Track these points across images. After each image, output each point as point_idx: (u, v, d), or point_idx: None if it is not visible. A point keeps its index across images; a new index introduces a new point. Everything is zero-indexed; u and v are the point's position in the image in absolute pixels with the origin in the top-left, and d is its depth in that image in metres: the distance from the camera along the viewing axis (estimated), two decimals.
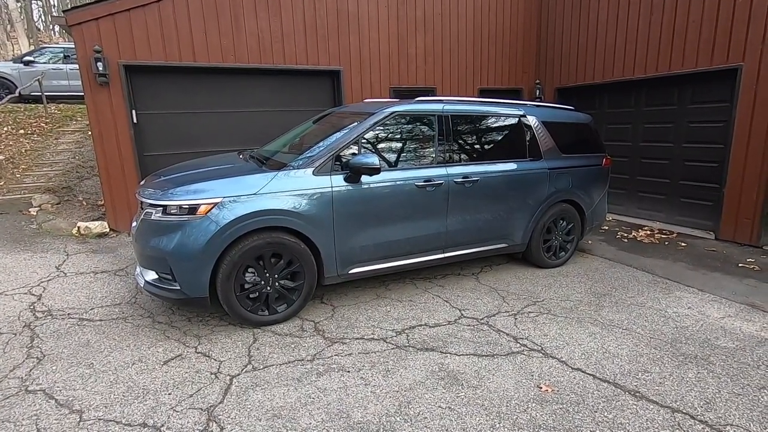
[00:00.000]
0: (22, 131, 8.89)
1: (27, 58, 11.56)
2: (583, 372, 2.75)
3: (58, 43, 17.00)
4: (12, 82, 10.87)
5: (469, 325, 3.36)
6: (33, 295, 3.74)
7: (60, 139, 8.78)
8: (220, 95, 6.04)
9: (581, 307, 3.70)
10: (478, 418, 2.32)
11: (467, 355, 2.94)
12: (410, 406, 2.40)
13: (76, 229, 5.38)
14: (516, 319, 3.48)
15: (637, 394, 2.54)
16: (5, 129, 8.92)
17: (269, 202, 3.12)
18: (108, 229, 5.48)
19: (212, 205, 3.00)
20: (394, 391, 2.53)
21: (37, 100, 10.48)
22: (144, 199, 3.19)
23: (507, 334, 3.23)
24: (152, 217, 3.06)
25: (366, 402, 2.43)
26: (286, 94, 6.43)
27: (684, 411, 2.39)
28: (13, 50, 20.36)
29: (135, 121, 5.51)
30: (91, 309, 3.51)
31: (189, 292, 3.01)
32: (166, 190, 3.12)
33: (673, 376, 2.71)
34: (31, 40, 21.67)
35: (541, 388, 2.58)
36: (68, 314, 3.41)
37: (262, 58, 5.98)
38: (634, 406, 2.43)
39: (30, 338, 3.05)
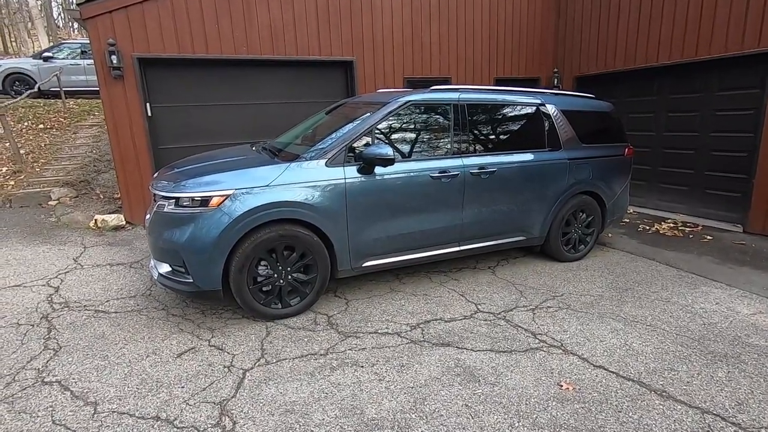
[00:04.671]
0: (41, 126, 9.05)
1: (46, 54, 11.74)
2: (605, 370, 2.65)
3: (76, 40, 17.23)
4: (32, 78, 11.07)
5: (485, 320, 3.28)
6: (51, 286, 3.78)
7: (78, 133, 8.91)
8: (234, 88, 6.01)
9: (602, 302, 3.58)
10: (496, 417, 2.24)
11: (484, 350, 2.86)
12: (426, 403, 2.34)
13: (93, 221, 5.44)
14: (534, 314, 3.38)
15: (664, 393, 2.43)
16: (25, 124, 9.09)
17: (282, 194, 3.07)
18: (124, 222, 5.53)
19: (224, 197, 2.96)
20: (409, 387, 2.47)
21: (56, 95, 10.65)
22: (157, 192, 3.17)
23: (525, 330, 3.13)
24: (165, 210, 3.04)
25: (380, 398, 2.38)
26: (299, 85, 6.37)
27: (714, 412, 2.28)
28: (33, 47, 20.74)
29: (149, 114, 5.53)
30: (106, 301, 3.53)
31: (202, 284, 2.99)
32: (178, 183, 3.10)
33: (701, 375, 2.59)
34: (51, 37, 22.05)
35: (561, 386, 2.49)
36: (84, 306, 3.44)
37: (275, 48, 5.92)
38: (661, 407, 2.32)
39: (47, 330, 3.08)
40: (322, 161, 3.25)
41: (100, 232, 5.34)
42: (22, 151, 7.61)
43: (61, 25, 30.94)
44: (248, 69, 6.01)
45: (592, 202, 4.53)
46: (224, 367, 2.66)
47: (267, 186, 3.06)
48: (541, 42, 7.84)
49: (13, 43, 24.97)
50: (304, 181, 3.15)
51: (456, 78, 7.21)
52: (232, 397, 2.38)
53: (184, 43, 5.46)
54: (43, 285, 3.81)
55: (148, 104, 5.49)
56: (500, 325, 3.20)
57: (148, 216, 3.36)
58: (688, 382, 2.53)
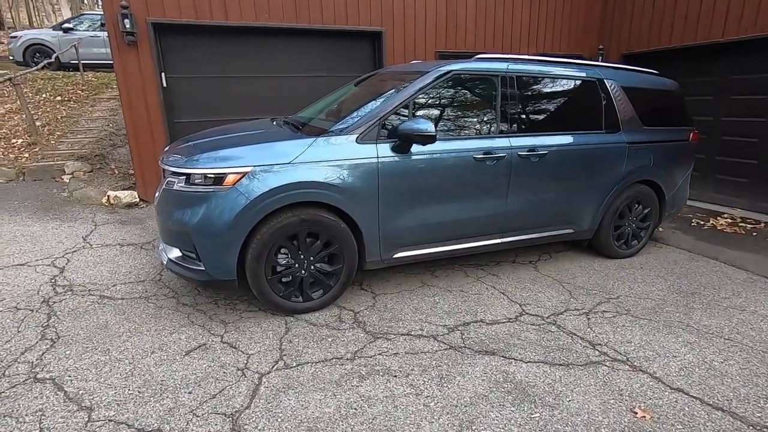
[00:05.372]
0: (59, 98, 8.84)
1: (66, 25, 11.50)
2: (685, 394, 2.22)
3: (96, 12, 16.99)
4: (52, 50, 10.85)
5: (533, 324, 2.87)
6: (56, 267, 3.51)
7: (95, 106, 8.67)
8: (254, 58, 5.60)
9: (666, 308, 3.12)
10: None
11: (536, 362, 2.46)
12: (473, 428, 1.96)
13: (106, 198, 5.18)
14: (589, 319, 2.95)
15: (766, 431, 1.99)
16: (44, 96, 8.90)
17: (305, 173, 2.68)
18: (137, 199, 5.25)
19: (241, 175, 2.59)
20: (452, 406, 2.10)
21: (77, 67, 10.42)
22: (166, 167, 2.82)
23: (581, 338, 2.71)
24: (174, 188, 2.69)
25: (419, 418, 2.01)
26: (324, 58, 5.92)
27: None
28: (56, 20, 20.65)
29: (164, 84, 5.17)
30: (113, 285, 3.24)
31: (214, 273, 2.64)
32: (190, 157, 2.74)
33: None
34: (74, 11, 21.89)
35: (636, 413, 2.07)
36: (89, 290, 3.15)
37: (298, 16, 5.47)
38: None
39: (47, 316, 2.80)
40: (353, 137, 2.83)
41: (113, 209, 5.07)
42: (38, 123, 7.41)
43: (85, 0, 30.82)
44: (270, 38, 5.58)
45: (650, 193, 4.02)
46: (238, 369, 2.33)
47: (289, 164, 2.67)
48: (585, 15, 7.16)
49: (37, 17, 24.98)
50: (332, 158, 2.76)
51: None
52: (246, 408, 2.05)
53: (202, 7, 5.06)
54: (48, 265, 3.54)
55: (163, 74, 5.13)
56: (551, 332, 2.78)
57: (157, 194, 3.02)
58: None
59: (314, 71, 5.89)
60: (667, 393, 2.23)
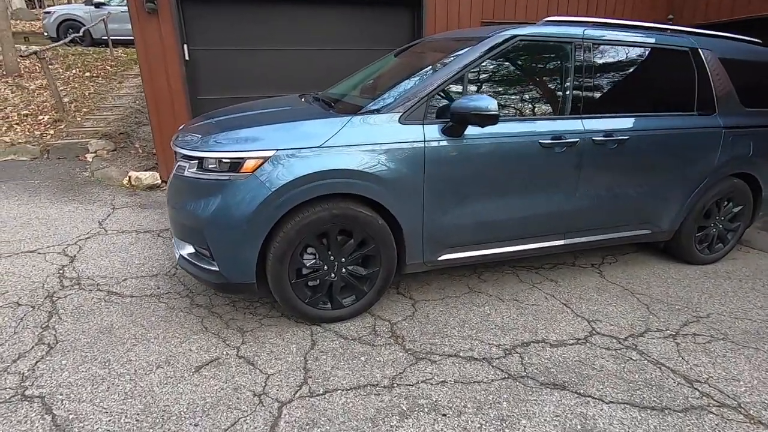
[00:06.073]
0: (88, 74, 8.68)
1: (97, 0, 11.34)
2: None
3: None
4: (84, 25, 10.72)
5: (608, 348, 2.36)
6: (66, 255, 3.23)
7: (123, 83, 8.47)
8: (284, 30, 5.12)
9: None
10: None
11: (620, 403, 1.96)
12: None
13: (127, 179, 4.91)
14: (678, 344, 2.41)
15: None
16: (73, 72, 8.76)
17: (338, 159, 2.23)
18: (159, 181, 4.96)
19: (262, 160, 2.16)
20: None
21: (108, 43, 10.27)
22: (178, 149, 2.43)
23: (672, 371, 2.19)
24: (186, 174, 2.30)
25: None
26: (359, 29, 5.38)
27: None
28: None
29: (187, 57, 4.79)
30: (123, 280, 2.92)
31: (230, 275, 2.25)
32: (203, 138, 2.33)
33: None
34: None
35: None
36: (97, 285, 2.84)
37: None
38: None
39: (48, 314, 2.50)
40: (395, 116, 2.35)
41: (134, 191, 4.80)
42: (66, 99, 7.24)
43: None
44: (300, 7, 5.08)
45: (744, 188, 3.37)
46: (254, 395, 1.95)
47: (319, 147, 2.22)
48: None
49: None
50: (370, 142, 2.28)
51: None
52: None
53: None
54: (59, 253, 3.26)
55: (185, 46, 4.74)
56: (633, 360, 2.27)
57: (168, 180, 2.64)
58: None
59: (348, 43, 5.37)
60: None
